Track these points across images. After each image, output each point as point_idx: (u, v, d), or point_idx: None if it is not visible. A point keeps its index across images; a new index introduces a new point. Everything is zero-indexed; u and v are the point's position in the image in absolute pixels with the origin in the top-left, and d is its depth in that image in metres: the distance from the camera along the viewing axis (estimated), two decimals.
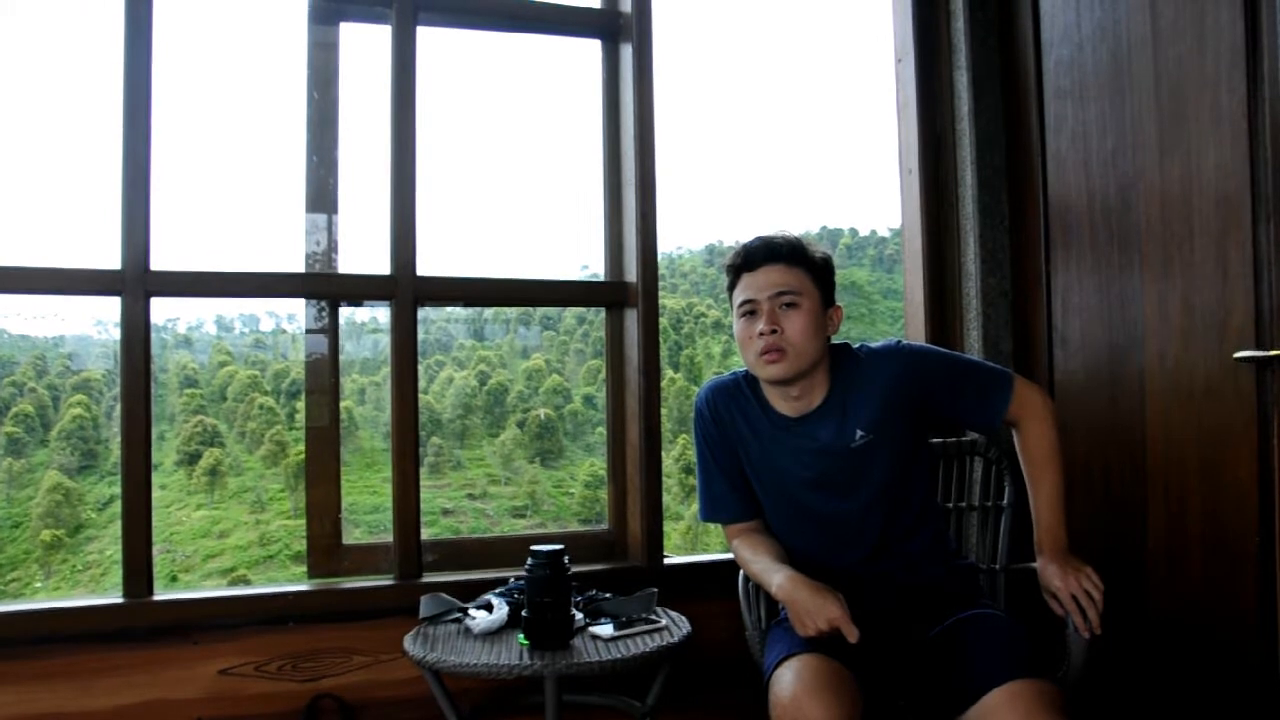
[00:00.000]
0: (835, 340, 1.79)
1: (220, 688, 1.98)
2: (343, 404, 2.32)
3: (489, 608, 1.92)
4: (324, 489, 2.25)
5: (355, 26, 2.34)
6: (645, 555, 2.28)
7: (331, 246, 2.28)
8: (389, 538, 2.20)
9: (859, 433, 1.70)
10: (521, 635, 1.76)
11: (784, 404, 1.75)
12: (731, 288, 1.76)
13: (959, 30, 2.47)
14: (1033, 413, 1.75)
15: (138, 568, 1.99)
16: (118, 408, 2.03)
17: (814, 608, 1.54)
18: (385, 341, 2.23)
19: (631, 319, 2.36)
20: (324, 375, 2.27)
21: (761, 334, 1.67)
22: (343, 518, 2.24)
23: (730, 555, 1.86)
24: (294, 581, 2.20)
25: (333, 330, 2.27)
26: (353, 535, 2.27)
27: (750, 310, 1.71)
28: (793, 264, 1.70)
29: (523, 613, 1.78)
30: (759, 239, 1.73)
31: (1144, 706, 2.01)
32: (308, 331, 2.27)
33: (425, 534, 2.20)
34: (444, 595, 1.99)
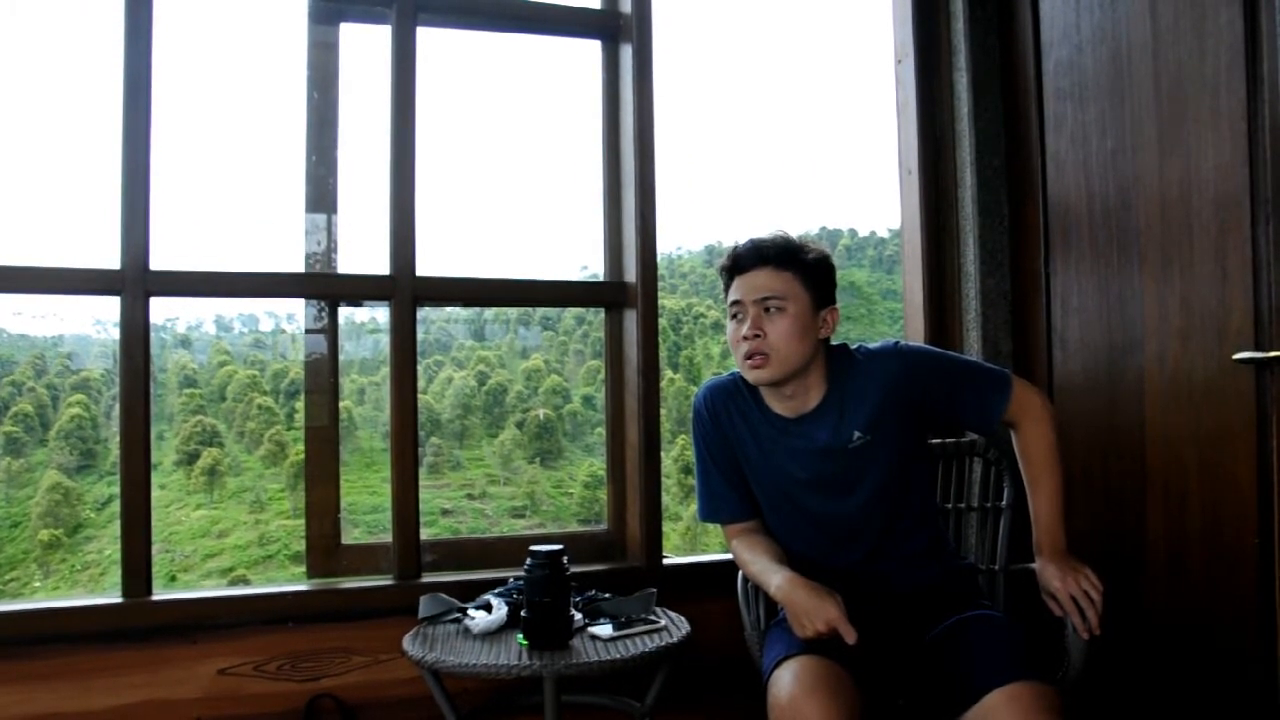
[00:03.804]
0: (834, 341, 1.79)
1: (219, 688, 1.97)
2: (342, 404, 2.33)
3: (488, 608, 1.92)
4: (323, 489, 2.25)
5: (355, 27, 2.34)
6: (644, 555, 2.28)
7: (331, 246, 2.28)
8: (388, 538, 2.20)
9: (856, 433, 1.70)
10: (520, 635, 1.76)
11: (780, 405, 1.75)
12: (726, 289, 1.76)
13: (959, 31, 2.48)
14: (1031, 414, 1.75)
15: (136, 567, 1.99)
16: (117, 407, 2.03)
17: (812, 609, 1.54)
18: (385, 341, 2.23)
19: (631, 319, 2.36)
20: (323, 375, 2.27)
21: (745, 338, 1.67)
22: (342, 518, 2.24)
23: (729, 555, 1.86)
24: (293, 581, 2.20)
25: (332, 330, 2.27)
26: (352, 535, 2.27)
27: (737, 313, 1.71)
28: (780, 267, 1.69)
29: (522, 613, 1.77)
30: (749, 241, 1.73)
31: (1143, 707, 2.01)
32: (307, 331, 2.27)
33: (424, 534, 2.20)
34: (443, 595, 1.99)
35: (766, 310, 1.67)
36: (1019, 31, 2.39)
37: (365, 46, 2.32)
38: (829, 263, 1.74)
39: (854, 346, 1.78)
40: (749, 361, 1.68)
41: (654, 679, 1.85)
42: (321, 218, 2.28)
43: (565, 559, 1.77)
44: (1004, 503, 2.01)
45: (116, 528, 2.03)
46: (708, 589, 2.18)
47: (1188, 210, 1.89)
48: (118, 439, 2.02)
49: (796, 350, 1.67)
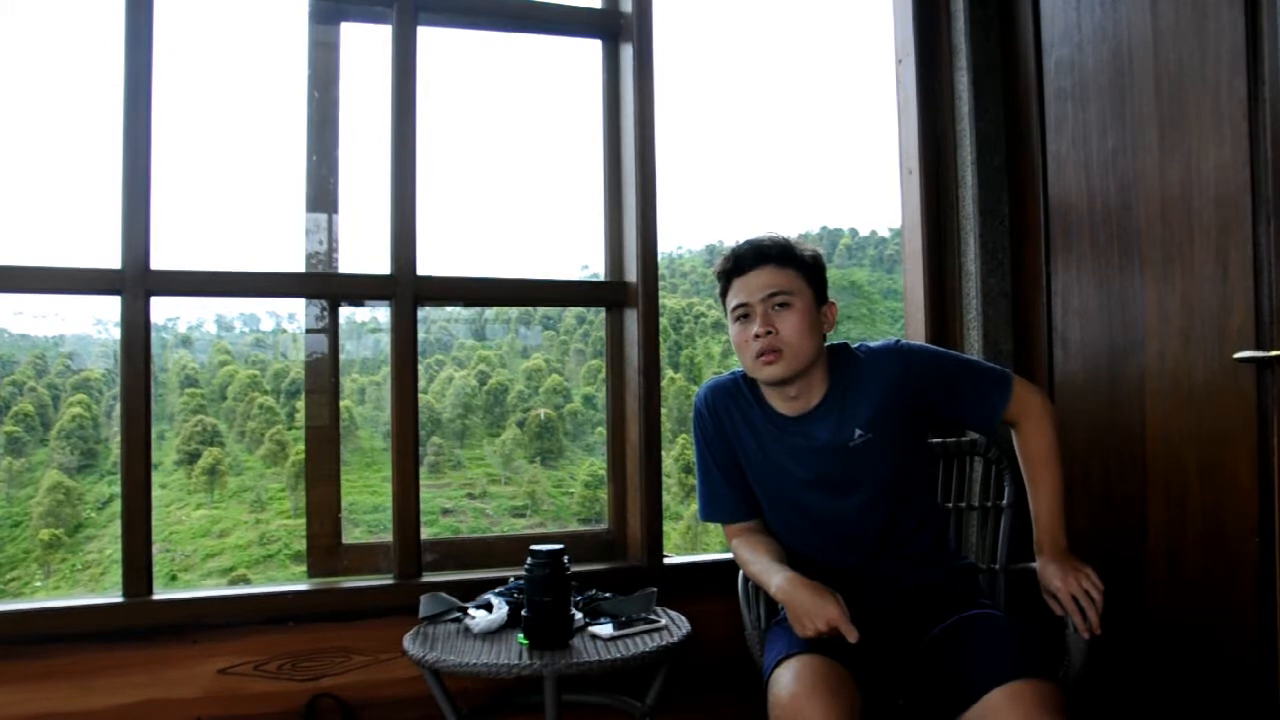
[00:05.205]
0: (834, 340, 1.79)
1: (219, 687, 1.97)
2: (343, 403, 2.33)
3: (488, 607, 1.92)
4: (324, 488, 2.25)
5: (356, 26, 2.34)
6: (645, 555, 2.28)
7: (332, 246, 2.28)
8: (389, 537, 2.20)
9: (858, 432, 1.70)
10: (521, 635, 1.76)
11: (782, 404, 1.75)
12: (724, 294, 1.76)
13: (959, 31, 2.47)
14: (1031, 413, 1.75)
15: (137, 567, 1.99)
16: (117, 407, 2.03)
17: (813, 608, 1.54)
18: (385, 341, 2.23)
19: (631, 319, 2.36)
20: (324, 375, 2.27)
21: (757, 336, 1.67)
22: (342, 517, 2.24)
23: (730, 555, 1.86)
24: (293, 581, 2.20)
25: (333, 330, 2.27)
26: (352, 535, 2.27)
27: (744, 314, 1.71)
28: (783, 264, 1.70)
29: (522, 612, 1.77)
30: (747, 242, 1.73)
31: (1144, 706, 2.01)
32: (308, 331, 2.27)
33: (425, 533, 2.20)
34: (443, 595, 1.99)
35: (775, 307, 1.68)
36: (1019, 31, 2.39)
37: (366, 46, 2.33)
38: (823, 260, 1.77)
39: (855, 345, 1.79)
40: (762, 359, 1.68)
41: (654, 678, 1.85)
42: (322, 217, 2.28)
43: (566, 558, 1.77)
44: (1004, 502, 2.01)
45: (117, 527, 2.03)
46: (708, 588, 2.18)
47: (1188, 210, 1.89)
48: (118, 439, 2.02)
49: (808, 344, 1.68)
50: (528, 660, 1.67)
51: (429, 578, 2.17)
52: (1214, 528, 1.85)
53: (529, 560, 1.76)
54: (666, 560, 2.30)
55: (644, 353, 2.32)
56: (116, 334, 2.01)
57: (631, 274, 2.36)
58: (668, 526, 2.37)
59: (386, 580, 2.16)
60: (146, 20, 2.04)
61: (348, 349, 2.32)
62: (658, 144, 2.36)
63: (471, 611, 1.91)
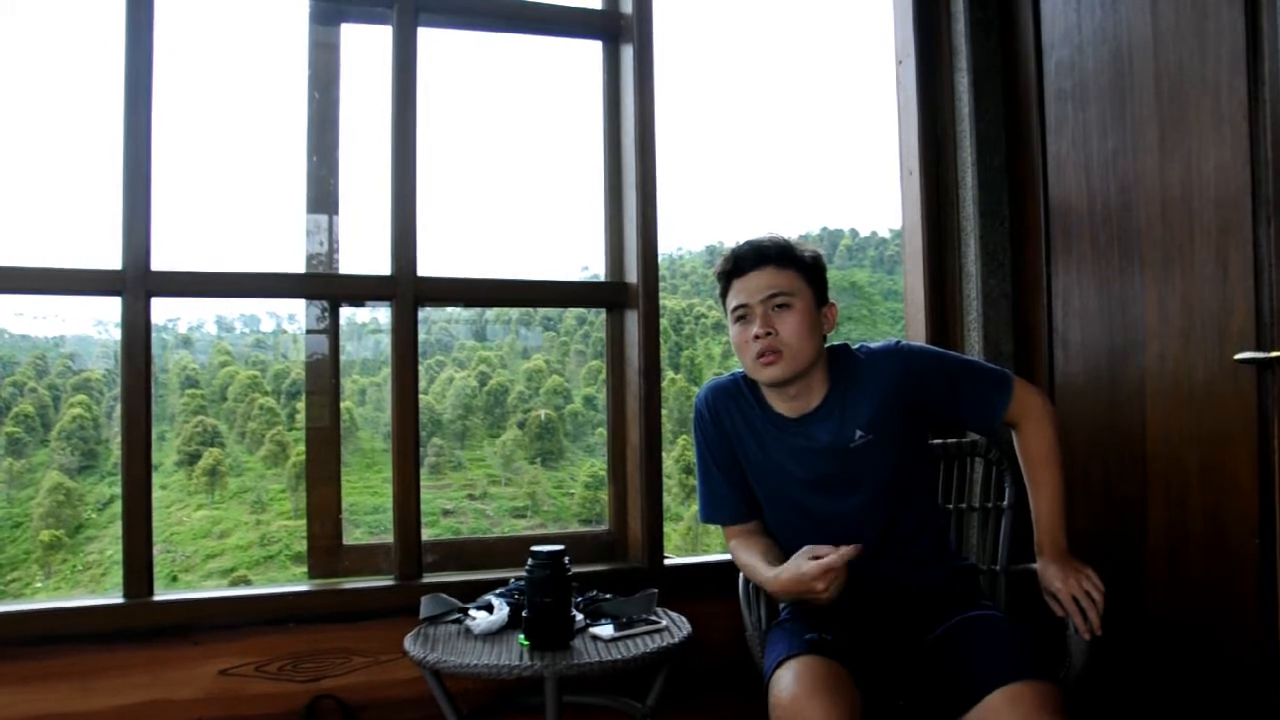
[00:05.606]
0: (835, 341, 1.79)
1: (220, 688, 1.98)
2: (343, 404, 2.32)
3: (489, 608, 1.92)
4: (324, 489, 2.25)
5: (356, 27, 2.34)
6: (646, 556, 2.28)
7: (332, 247, 2.28)
8: (389, 538, 2.20)
9: (858, 433, 1.70)
10: (522, 636, 1.76)
11: (783, 404, 1.75)
12: (724, 295, 1.76)
13: (960, 32, 2.48)
14: (1032, 414, 1.75)
15: (138, 568, 1.99)
16: (118, 408, 2.03)
17: (797, 582, 1.54)
18: (386, 342, 2.23)
19: (632, 320, 2.36)
20: (324, 376, 2.27)
21: (757, 337, 1.67)
22: (343, 518, 2.24)
23: (730, 556, 1.86)
24: (294, 582, 2.20)
25: (333, 330, 2.27)
26: (353, 536, 2.27)
27: (744, 315, 1.71)
28: (782, 265, 1.70)
29: (523, 613, 1.78)
30: (747, 243, 1.73)
31: (1144, 707, 2.01)
32: (308, 332, 2.27)
33: (426, 534, 2.20)
34: (444, 596, 1.99)
35: (775, 308, 1.68)
36: (1020, 32, 2.39)
37: (366, 47, 2.33)
38: (823, 261, 1.77)
39: (855, 346, 1.79)
40: (762, 360, 1.68)
41: (655, 679, 1.85)
42: (323, 218, 2.28)
43: (566, 559, 1.77)
44: (1005, 503, 2.01)
45: (118, 528, 2.03)
46: (709, 589, 2.18)
47: (1189, 211, 1.89)
48: (119, 439, 2.02)
49: (807, 345, 1.68)
50: (528, 661, 1.67)
51: (430, 579, 2.17)
52: (1214, 528, 1.85)
53: (530, 561, 1.76)
54: (667, 561, 2.30)
55: (644, 354, 2.32)
56: (117, 335, 2.01)
57: (632, 275, 2.37)
58: (668, 527, 2.36)
59: (387, 581, 2.16)
60: (147, 20, 2.05)
61: (348, 350, 2.32)
62: (658, 145, 2.36)
63: (472, 612, 1.91)
